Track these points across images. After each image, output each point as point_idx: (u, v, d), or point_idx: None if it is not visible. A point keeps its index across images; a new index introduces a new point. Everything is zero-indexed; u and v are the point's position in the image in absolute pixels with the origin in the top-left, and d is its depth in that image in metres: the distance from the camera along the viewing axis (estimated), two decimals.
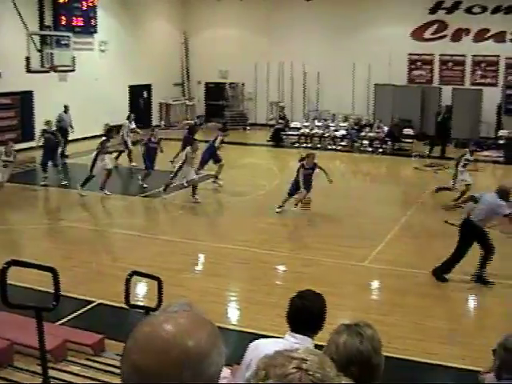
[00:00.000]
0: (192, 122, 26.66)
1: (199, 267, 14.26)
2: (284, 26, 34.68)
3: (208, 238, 15.85)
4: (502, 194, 12.49)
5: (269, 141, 30.83)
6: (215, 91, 37.07)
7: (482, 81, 33.30)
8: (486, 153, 29.05)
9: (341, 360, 3.06)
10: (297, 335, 4.82)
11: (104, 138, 19.87)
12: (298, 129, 31.31)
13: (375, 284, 13.22)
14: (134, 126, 24.90)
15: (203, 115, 35.22)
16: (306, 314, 4.92)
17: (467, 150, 19.99)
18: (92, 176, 19.22)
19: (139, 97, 34.25)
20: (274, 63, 34.99)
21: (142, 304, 9.64)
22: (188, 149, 19.17)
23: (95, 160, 19.18)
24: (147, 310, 7.62)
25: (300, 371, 1.70)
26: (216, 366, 1.75)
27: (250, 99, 36.91)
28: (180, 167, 18.92)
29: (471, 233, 12.42)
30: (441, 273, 12.63)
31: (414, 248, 15.20)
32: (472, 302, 12.31)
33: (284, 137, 31.10)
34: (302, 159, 17.89)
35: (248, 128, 35.55)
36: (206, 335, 1.75)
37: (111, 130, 20.89)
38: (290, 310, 5.00)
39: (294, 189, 17.63)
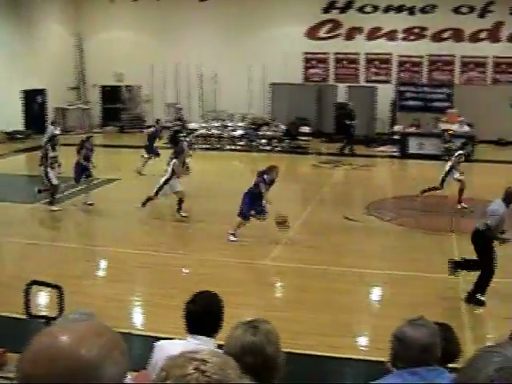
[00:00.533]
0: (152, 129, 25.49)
1: (101, 273, 14.01)
2: (179, 27, 34.56)
3: (109, 243, 15.57)
4: (507, 196, 11.43)
5: (166, 143, 30.62)
6: (111, 94, 36.56)
7: (376, 78, 34.07)
8: (381, 148, 29.77)
9: (235, 351, 3.13)
10: (199, 336, 4.83)
11: (47, 146, 18.89)
12: (196, 130, 31.20)
13: (278, 282, 13.28)
14: (59, 132, 23.92)
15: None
16: (201, 317, 4.93)
17: (462, 151, 19.28)
18: (54, 186, 18.08)
19: (33, 102, 33.46)
20: (170, 64, 34.74)
21: (44, 314, 9.40)
22: (176, 161, 17.45)
23: (47, 173, 17.97)
24: (48, 320, 7.43)
25: (198, 372, 1.72)
26: (112, 374, 1.71)
27: (147, 101, 36.63)
28: (166, 181, 17.13)
29: (481, 242, 11.43)
30: (475, 296, 11.44)
31: (315, 244, 15.32)
32: (374, 294, 12.50)
33: (181, 138, 30.89)
34: (261, 173, 15.32)
35: (145, 131, 35.23)
36: (101, 344, 1.71)
37: (54, 138, 19.86)
38: (185, 315, 5.01)
39: (257, 209, 15.24)
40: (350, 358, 9.33)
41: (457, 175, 18.75)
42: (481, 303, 11.25)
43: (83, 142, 19.28)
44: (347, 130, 29.17)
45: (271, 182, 15.29)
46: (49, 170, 18.06)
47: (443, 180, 18.75)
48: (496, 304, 11.25)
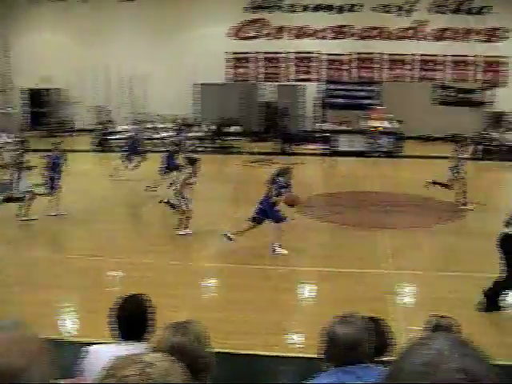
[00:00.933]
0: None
1: (34, 280, 13.72)
2: (107, 28, 34.33)
3: (43, 248, 15.31)
4: None
5: (95, 145, 30.32)
6: (38, 98, 35.96)
7: (304, 76, 34.33)
8: (311, 146, 29.96)
9: (164, 351, 3.13)
10: (130, 342, 4.79)
11: (21, 151, 17.99)
12: (125, 132, 30.92)
13: (210, 282, 13.17)
14: (11, 140, 22.93)
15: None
16: (130, 322, 4.91)
17: (462, 148, 18.75)
18: (21, 197, 17.19)
19: None
20: (98, 66, 34.39)
21: None
22: (188, 172, 15.78)
23: (19, 178, 17.23)
24: None
25: (141, 375, 1.71)
26: (37, 382, 1.69)
27: (75, 104, 36.16)
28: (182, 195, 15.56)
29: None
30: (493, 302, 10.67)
31: (248, 243, 15.29)
32: (308, 292, 12.51)
33: (111, 141, 30.62)
34: (275, 175, 14.27)
35: (74, 134, 34.86)
36: (25, 352, 1.69)
37: (25, 142, 18.92)
38: (115, 320, 4.99)
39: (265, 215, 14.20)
40: (286, 356, 9.32)
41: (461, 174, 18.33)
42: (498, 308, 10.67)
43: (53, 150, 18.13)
44: (283, 129, 29.38)
45: (287, 185, 14.17)
46: (22, 174, 17.41)
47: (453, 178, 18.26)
48: (428, 296, 11.41)
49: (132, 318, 4.89)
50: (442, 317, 5.99)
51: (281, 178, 14.08)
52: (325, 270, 13.10)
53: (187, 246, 14.83)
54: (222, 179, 24.37)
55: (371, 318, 4.70)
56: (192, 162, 15.94)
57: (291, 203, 14.32)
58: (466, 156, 18.66)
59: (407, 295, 12.08)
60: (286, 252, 13.92)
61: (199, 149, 28.97)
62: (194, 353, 3.34)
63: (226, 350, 8.60)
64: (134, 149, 22.90)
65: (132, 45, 33.99)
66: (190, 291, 12.17)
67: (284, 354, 9.36)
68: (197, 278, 12.99)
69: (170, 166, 19.93)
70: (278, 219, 14.05)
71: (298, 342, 10.03)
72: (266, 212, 14.08)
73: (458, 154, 18.43)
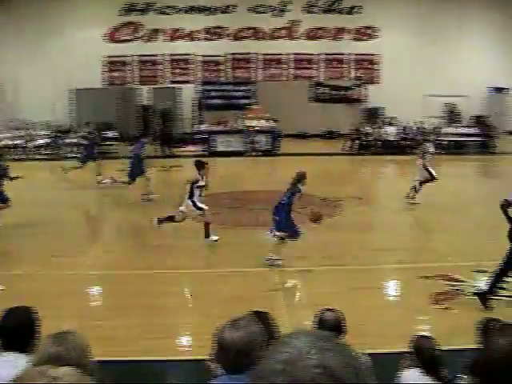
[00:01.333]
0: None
1: None
2: None
3: None
4: None
5: None
6: None
7: (180, 78, 34.34)
8: (189, 148, 29.95)
9: (42, 362, 3.18)
10: (9, 352, 4.66)
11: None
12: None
13: (96, 290, 12.92)
14: None
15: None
16: (12, 333, 4.77)
17: (428, 144, 19.15)
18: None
19: None
20: None
21: None
22: (198, 176, 14.77)
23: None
24: None
25: None
26: None
27: None
28: (194, 202, 14.73)
29: None
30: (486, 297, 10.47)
31: (131, 248, 15.15)
32: (196, 293, 12.42)
33: None
34: (296, 181, 12.94)
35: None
36: None
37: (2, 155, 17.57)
38: None
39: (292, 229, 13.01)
40: (175, 360, 9.26)
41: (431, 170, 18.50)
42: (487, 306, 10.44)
43: None
44: (160, 132, 29.31)
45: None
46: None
47: (430, 172, 18.40)
48: (313, 291, 11.58)
49: (15, 329, 4.77)
50: (327, 310, 6.08)
51: (301, 186, 12.94)
52: (208, 271, 13.14)
53: (65, 254, 14.50)
54: (100, 185, 23.87)
55: (255, 312, 4.72)
56: (200, 165, 14.99)
57: (316, 219, 13.23)
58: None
59: (293, 292, 12.22)
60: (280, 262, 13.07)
61: (77, 155, 28.51)
62: (72, 362, 3.23)
63: (112, 358, 8.48)
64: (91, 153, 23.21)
65: (3, 49, 33.05)
66: (74, 301, 11.93)
67: (173, 358, 9.31)
68: (79, 286, 12.75)
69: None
70: (291, 233, 12.96)
71: (187, 345, 10.01)
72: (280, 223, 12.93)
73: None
